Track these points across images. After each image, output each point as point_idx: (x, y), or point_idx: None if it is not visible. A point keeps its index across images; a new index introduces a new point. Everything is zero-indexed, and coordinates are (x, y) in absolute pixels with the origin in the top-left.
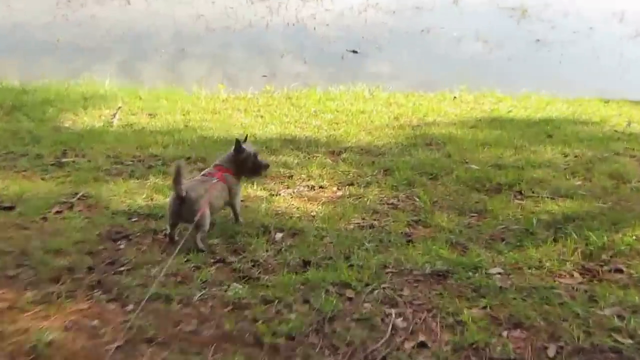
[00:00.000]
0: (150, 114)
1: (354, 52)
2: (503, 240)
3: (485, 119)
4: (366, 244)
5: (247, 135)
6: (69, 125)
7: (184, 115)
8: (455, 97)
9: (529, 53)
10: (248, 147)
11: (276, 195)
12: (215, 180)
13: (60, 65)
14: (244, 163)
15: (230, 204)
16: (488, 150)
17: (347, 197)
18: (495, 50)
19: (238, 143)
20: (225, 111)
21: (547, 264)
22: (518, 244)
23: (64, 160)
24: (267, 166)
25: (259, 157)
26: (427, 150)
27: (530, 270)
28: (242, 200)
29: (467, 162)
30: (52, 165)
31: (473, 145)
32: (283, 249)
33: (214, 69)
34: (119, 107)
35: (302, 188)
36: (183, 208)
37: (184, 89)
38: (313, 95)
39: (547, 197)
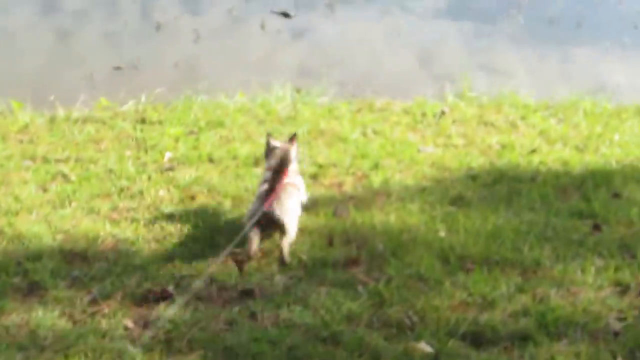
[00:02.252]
0: None
1: (285, 15)
2: None
3: (482, 173)
4: None
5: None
6: None
7: None
8: (443, 113)
9: None
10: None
11: None
12: None
13: None
14: None
15: None
16: (467, 278)
17: None
18: None
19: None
20: None
21: None
22: None
23: None
24: None
25: None
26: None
27: None
28: None
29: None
30: None
31: (440, 266)
32: None
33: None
34: None
35: None
36: None
37: None
38: (183, 116)
39: None
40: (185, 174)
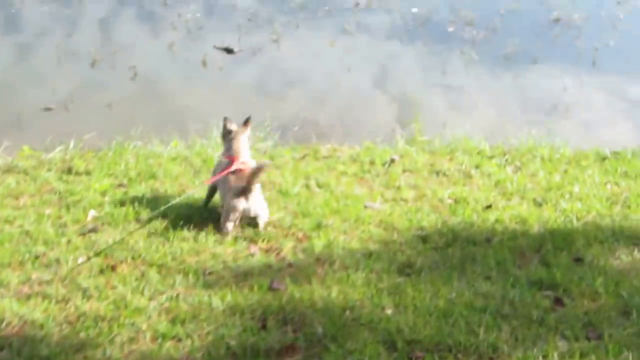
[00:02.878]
0: None
1: (229, 51)
2: None
3: (433, 233)
4: None
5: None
6: None
7: None
8: (393, 161)
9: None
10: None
11: None
12: None
13: None
14: None
15: None
16: None
17: None
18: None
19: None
20: None
21: None
22: None
23: None
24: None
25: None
26: None
27: None
28: None
29: None
30: None
31: (386, 354)
32: None
33: None
34: None
35: None
36: None
37: None
38: (113, 166)
39: None
40: (108, 237)
